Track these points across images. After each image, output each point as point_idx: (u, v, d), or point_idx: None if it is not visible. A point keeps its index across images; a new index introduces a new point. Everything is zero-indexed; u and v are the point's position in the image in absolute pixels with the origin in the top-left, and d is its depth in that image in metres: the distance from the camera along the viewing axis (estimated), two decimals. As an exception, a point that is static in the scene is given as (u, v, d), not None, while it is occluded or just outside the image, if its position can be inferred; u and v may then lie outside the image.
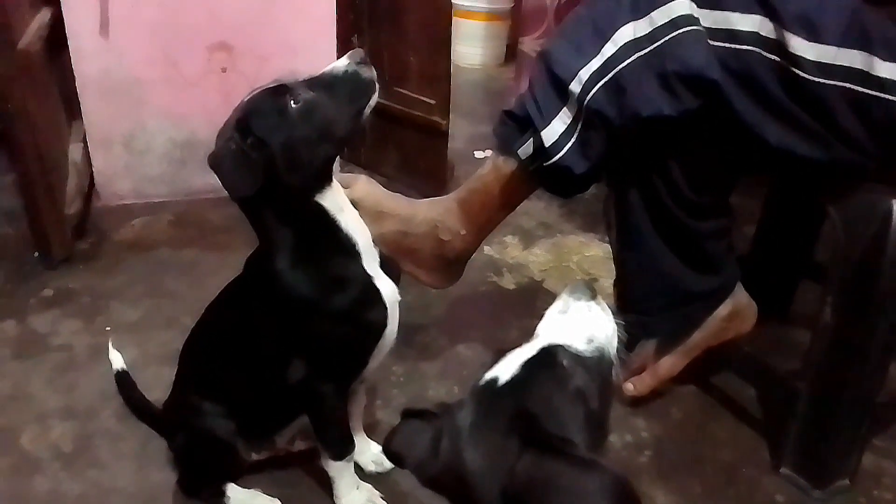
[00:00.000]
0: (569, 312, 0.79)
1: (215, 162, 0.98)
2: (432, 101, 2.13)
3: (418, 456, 0.74)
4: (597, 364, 0.76)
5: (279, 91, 0.98)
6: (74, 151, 2.09)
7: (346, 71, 1.01)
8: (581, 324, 0.77)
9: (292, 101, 0.97)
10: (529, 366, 0.73)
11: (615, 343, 0.78)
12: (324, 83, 1.01)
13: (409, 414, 0.77)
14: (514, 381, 0.72)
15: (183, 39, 2.02)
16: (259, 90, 1.00)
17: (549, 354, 0.74)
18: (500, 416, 0.70)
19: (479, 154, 2.48)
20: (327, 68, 1.02)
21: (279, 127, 0.97)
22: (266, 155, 0.96)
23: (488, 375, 0.74)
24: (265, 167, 0.96)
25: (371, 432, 1.31)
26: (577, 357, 0.75)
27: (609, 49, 1.11)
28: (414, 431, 0.75)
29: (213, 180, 2.32)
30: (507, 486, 0.65)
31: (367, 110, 1.03)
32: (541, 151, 1.20)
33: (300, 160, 0.98)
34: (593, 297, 0.80)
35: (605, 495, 0.60)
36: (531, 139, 1.21)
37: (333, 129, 1.00)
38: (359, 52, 1.03)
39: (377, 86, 1.02)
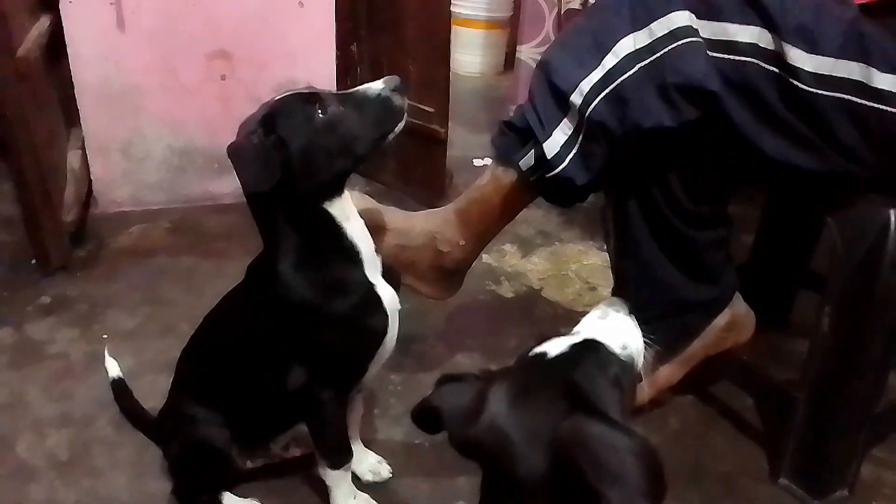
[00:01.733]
0: (608, 319, 0.84)
1: (235, 153, 0.98)
2: (431, 110, 2.14)
3: (456, 414, 0.77)
4: (628, 369, 0.80)
5: (310, 98, 0.99)
6: (73, 158, 2.09)
7: (379, 94, 1.03)
8: (618, 330, 0.82)
9: (320, 111, 0.99)
10: (576, 348, 0.78)
11: (641, 360, 0.83)
12: (354, 101, 1.02)
13: (447, 379, 0.81)
14: (563, 357, 0.77)
15: (182, 47, 2.02)
16: (290, 92, 1.01)
17: (593, 343, 0.79)
18: (549, 383, 0.74)
19: (477, 162, 2.49)
20: (361, 87, 1.04)
21: (302, 132, 0.98)
22: (284, 156, 0.97)
23: (536, 350, 0.78)
24: (282, 167, 0.96)
25: (368, 442, 1.31)
26: (613, 355, 0.80)
27: (610, 61, 1.11)
28: (454, 391, 0.79)
29: (211, 187, 2.32)
30: (552, 441, 0.68)
31: (391, 136, 1.04)
32: (542, 163, 1.20)
33: (315, 169, 0.99)
34: (629, 312, 0.85)
35: (642, 458, 0.65)
36: (532, 150, 1.21)
37: (353, 146, 1.01)
38: (395, 79, 1.04)
39: (406, 115, 1.04)
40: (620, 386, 0.77)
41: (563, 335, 0.80)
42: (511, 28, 3.49)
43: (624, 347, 0.81)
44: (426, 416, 0.80)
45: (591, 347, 0.78)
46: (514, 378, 0.76)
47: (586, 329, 0.83)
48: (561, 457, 0.68)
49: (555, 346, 0.78)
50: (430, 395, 0.80)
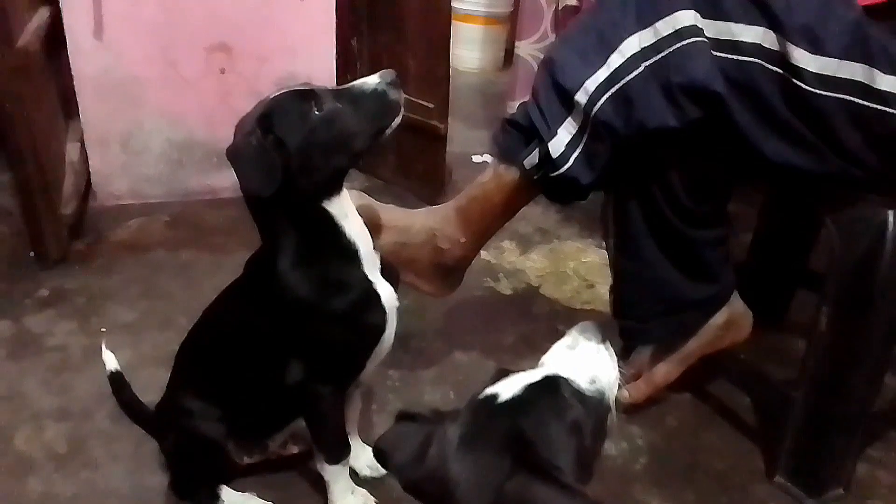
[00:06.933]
0: (577, 349, 0.79)
1: (235, 155, 0.97)
2: (431, 105, 2.13)
3: (403, 458, 0.74)
4: (595, 405, 0.76)
5: (305, 95, 0.99)
6: (71, 151, 2.09)
7: (375, 89, 1.02)
8: (587, 363, 0.77)
9: (316, 108, 0.98)
10: (531, 389, 0.73)
11: (615, 391, 0.78)
12: (350, 96, 1.01)
13: (403, 416, 0.78)
14: (514, 402, 0.72)
15: (182, 40, 2.01)
16: (286, 89, 1.00)
17: (553, 383, 0.74)
18: (494, 433, 0.70)
19: (476, 158, 2.48)
20: (357, 82, 1.03)
21: (299, 130, 0.97)
22: (283, 155, 0.96)
23: (488, 391, 0.74)
24: (282, 168, 0.96)
25: (366, 437, 1.31)
26: (578, 393, 0.75)
27: (616, 60, 1.11)
28: (404, 434, 0.76)
29: (210, 181, 2.32)
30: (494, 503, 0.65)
31: (388, 131, 1.04)
32: (546, 161, 1.20)
33: (314, 167, 0.98)
34: (602, 340, 0.80)
35: None
36: (536, 149, 1.21)
37: (351, 142, 1.01)
38: (390, 73, 1.03)
39: (402, 109, 1.03)
40: (579, 432, 0.71)
41: (525, 370, 0.76)
42: (511, 24, 3.48)
43: (592, 381, 0.76)
44: (380, 458, 0.78)
45: (548, 388, 0.73)
46: (462, 424, 0.72)
47: (552, 362, 0.78)
48: None
49: (508, 388, 0.72)
50: (382, 437, 0.78)
